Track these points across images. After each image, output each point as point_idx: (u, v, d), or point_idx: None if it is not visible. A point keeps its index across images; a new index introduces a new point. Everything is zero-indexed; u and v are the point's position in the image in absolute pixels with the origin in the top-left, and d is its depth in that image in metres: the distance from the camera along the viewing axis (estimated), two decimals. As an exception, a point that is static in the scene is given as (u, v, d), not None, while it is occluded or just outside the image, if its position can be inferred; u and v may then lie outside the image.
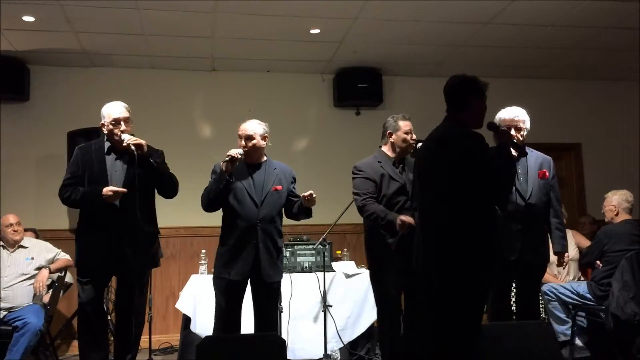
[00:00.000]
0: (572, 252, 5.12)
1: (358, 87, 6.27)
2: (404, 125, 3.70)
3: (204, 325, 4.43)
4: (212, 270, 3.70)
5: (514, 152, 3.49)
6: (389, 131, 3.73)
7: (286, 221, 4.86)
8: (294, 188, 3.82)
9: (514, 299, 3.96)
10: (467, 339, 2.77)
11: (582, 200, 6.85)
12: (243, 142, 3.62)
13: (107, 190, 3.39)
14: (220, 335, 3.58)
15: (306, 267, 5.07)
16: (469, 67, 6.33)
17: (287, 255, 5.03)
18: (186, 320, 4.70)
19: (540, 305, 4.96)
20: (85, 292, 3.49)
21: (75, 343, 5.24)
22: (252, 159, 3.67)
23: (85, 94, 5.84)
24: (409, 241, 3.38)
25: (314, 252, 5.08)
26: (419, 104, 6.61)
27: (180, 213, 5.25)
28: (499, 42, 5.67)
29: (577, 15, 5.07)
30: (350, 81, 6.29)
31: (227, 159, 3.49)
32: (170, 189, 3.70)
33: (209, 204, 3.61)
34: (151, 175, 3.50)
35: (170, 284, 5.88)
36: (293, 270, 4.97)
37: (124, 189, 3.41)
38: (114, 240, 3.44)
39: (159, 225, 4.74)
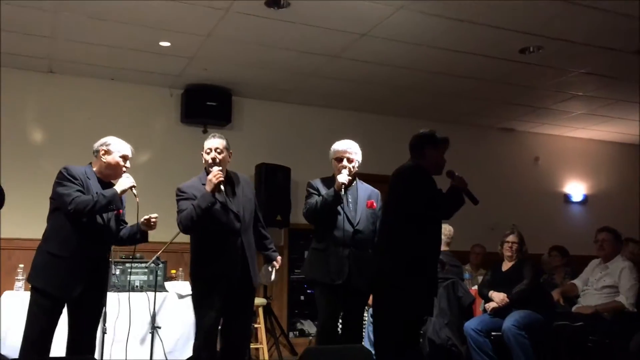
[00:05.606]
0: None
1: (207, 105, 6.21)
2: (206, 144, 3.72)
3: (13, 346, 4.05)
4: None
5: (346, 181, 3.72)
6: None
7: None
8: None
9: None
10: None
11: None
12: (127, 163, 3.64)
13: None
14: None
15: (137, 286, 4.85)
16: (318, 96, 6.59)
17: (117, 273, 4.77)
18: (-5, 341, 4.26)
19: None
20: None
21: None
22: (110, 177, 3.62)
23: None
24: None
25: (146, 270, 4.88)
26: (267, 126, 6.74)
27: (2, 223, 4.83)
28: (346, 75, 5.93)
29: (413, 59, 5.46)
30: (199, 98, 6.22)
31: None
32: None
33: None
34: None
35: (-20, 301, 5.28)
36: (123, 289, 4.71)
37: None
38: None
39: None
